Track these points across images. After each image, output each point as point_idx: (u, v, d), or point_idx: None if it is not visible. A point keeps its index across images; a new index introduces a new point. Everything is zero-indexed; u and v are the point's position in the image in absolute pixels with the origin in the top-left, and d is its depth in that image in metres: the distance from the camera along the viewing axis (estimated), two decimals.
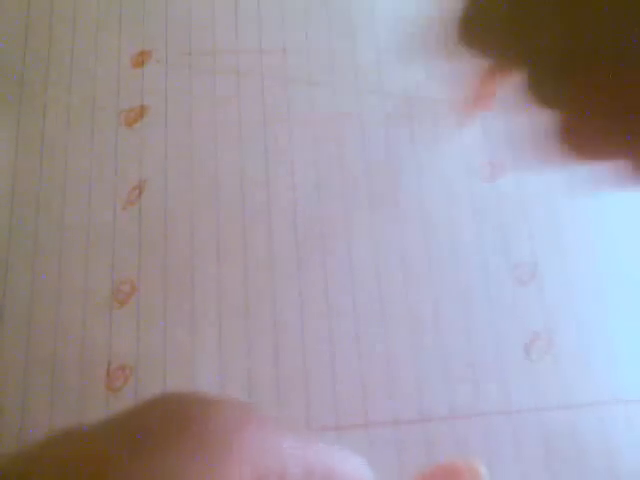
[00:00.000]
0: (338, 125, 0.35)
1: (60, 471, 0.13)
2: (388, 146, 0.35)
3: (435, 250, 0.33)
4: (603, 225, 0.34)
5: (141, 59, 0.36)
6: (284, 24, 0.37)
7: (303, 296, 0.32)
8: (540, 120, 0.22)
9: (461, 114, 0.34)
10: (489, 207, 0.34)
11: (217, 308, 0.32)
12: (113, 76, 0.36)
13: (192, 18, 0.37)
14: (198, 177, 0.34)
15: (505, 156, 0.35)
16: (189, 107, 0.35)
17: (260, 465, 0.14)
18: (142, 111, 0.35)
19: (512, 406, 0.30)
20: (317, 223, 0.33)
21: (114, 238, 0.33)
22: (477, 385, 0.31)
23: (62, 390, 0.30)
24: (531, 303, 0.32)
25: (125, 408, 0.15)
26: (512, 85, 0.23)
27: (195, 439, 0.14)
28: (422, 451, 0.29)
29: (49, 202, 0.33)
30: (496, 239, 0.33)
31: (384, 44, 0.37)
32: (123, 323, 0.31)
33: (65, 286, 0.32)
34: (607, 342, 0.32)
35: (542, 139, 0.22)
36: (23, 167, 0.34)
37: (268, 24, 0.37)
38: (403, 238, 0.33)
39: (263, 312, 0.32)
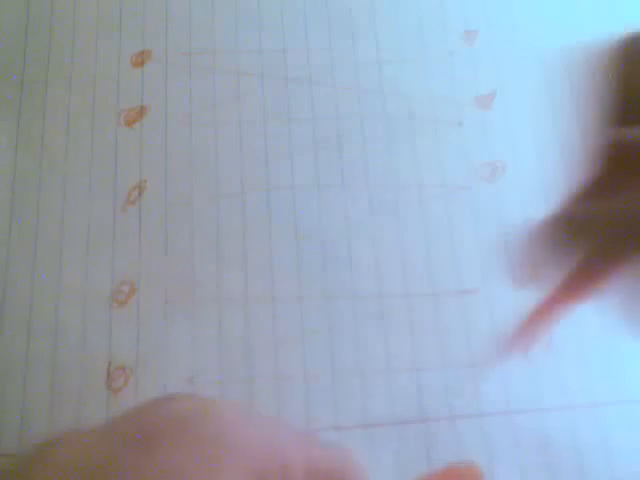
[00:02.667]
0: (338, 125, 0.35)
1: (63, 471, 0.13)
2: (388, 146, 0.35)
3: (435, 250, 0.33)
4: None
5: (141, 59, 0.36)
6: (284, 24, 0.37)
7: (303, 296, 0.32)
8: None
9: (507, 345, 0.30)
10: (489, 207, 0.34)
11: (217, 308, 0.32)
12: (113, 76, 0.36)
13: (192, 18, 0.37)
14: (198, 177, 0.34)
15: (505, 156, 0.35)
16: (189, 107, 0.35)
17: (259, 465, 0.14)
18: (142, 111, 0.35)
19: (511, 406, 0.30)
20: (317, 223, 0.33)
21: (114, 238, 0.33)
22: (477, 385, 0.31)
23: (62, 390, 0.30)
24: (531, 303, 0.32)
25: (126, 410, 0.15)
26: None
27: (195, 440, 0.14)
28: (422, 451, 0.29)
29: (49, 202, 0.33)
30: (496, 239, 0.33)
31: (384, 44, 0.37)
32: (123, 323, 0.31)
33: (65, 286, 0.32)
34: (606, 342, 0.32)
35: None
36: (23, 167, 0.34)
37: (268, 24, 0.37)
38: (403, 238, 0.33)
39: (263, 312, 0.32)
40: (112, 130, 0.35)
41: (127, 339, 0.31)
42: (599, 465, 0.30)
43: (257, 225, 0.33)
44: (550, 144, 0.35)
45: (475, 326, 0.32)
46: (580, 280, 0.23)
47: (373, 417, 0.30)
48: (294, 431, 0.16)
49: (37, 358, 0.30)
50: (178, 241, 0.33)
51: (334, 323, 0.32)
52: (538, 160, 0.35)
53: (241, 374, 0.30)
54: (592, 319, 0.32)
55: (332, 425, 0.30)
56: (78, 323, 0.31)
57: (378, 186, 0.34)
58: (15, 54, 0.36)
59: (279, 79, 0.36)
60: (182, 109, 0.35)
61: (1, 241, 0.32)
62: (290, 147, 0.35)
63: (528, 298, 0.32)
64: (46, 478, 0.13)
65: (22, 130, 0.34)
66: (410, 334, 0.31)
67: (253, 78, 0.36)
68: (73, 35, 0.36)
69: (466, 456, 0.30)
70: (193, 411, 0.15)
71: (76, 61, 0.36)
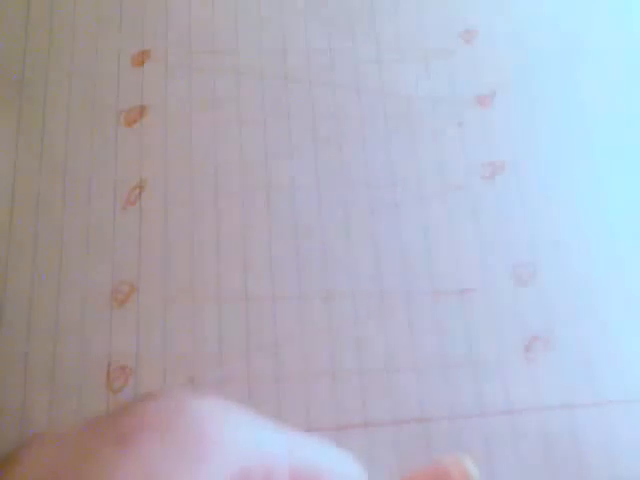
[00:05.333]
0: (338, 125, 0.35)
1: (47, 469, 0.13)
2: (388, 146, 0.35)
3: (435, 250, 0.33)
4: (603, 225, 0.34)
5: (141, 59, 0.36)
6: (284, 24, 0.37)
7: (303, 296, 0.32)
8: None
9: None
10: (489, 207, 0.34)
11: (217, 308, 0.32)
12: (113, 76, 0.36)
13: (192, 18, 0.37)
14: (198, 177, 0.34)
15: (505, 156, 0.35)
16: (189, 107, 0.35)
17: (243, 463, 0.14)
18: (142, 111, 0.35)
19: (512, 406, 0.30)
20: (317, 223, 0.33)
21: (114, 238, 0.33)
22: (477, 385, 0.31)
23: (62, 390, 0.30)
24: (531, 303, 0.32)
25: (111, 408, 0.15)
26: None
27: (176, 440, 0.14)
28: (422, 451, 0.29)
29: (49, 202, 0.33)
30: (496, 239, 0.33)
31: (384, 44, 0.37)
32: (123, 323, 0.31)
33: (65, 286, 0.32)
34: (607, 342, 0.32)
35: None
36: (23, 167, 0.34)
37: (268, 24, 0.37)
38: (403, 238, 0.33)
39: (263, 312, 0.32)
40: (112, 130, 0.35)
41: (127, 339, 0.31)
42: (600, 464, 0.30)
43: (257, 225, 0.33)
44: (550, 144, 0.35)
45: (475, 326, 0.32)
46: None
47: (373, 417, 0.30)
48: (281, 430, 0.16)
49: (37, 358, 0.30)
50: (178, 241, 0.33)
51: (334, 323, 0.31)
52: (538, 160, 0.35)
53: (241, 374, 0.30)
54: (593, 317, 0.32)
55: (332, 425, 0.30)
56: (78, 323, 0.31)
57: (378, 186, 0.34)
58: (15, 54, 0.36)
59: (279, 79, 0.36)
60: (182, 109, 0.35)
61: (1, 241, 0.32)
62: (290, 147, 0.35)
63: (528, 297, 0.32)
64: (31, 476, 0.13)
65: (22, 130, 0.34)
66: (410, 333, 0.31)
67: (253, 78, 0.36)
68: (73, 35, 0.36)
69: (458, 454, 0.30)
70: (175, 410, 0.14)
71: (76, 61, 0.36)
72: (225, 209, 0.33)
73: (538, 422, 0.30)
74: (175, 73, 0.36)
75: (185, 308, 0.31)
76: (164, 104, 0.35)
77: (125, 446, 0.13)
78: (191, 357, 0.31)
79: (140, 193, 0.33)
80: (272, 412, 0.30)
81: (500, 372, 0.31)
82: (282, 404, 0.30)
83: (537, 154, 0.35)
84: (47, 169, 0.34)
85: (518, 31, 0.38)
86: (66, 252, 0.32)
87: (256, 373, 0.31)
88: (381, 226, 0.33)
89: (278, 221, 0.33)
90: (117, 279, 0.32)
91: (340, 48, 0.37)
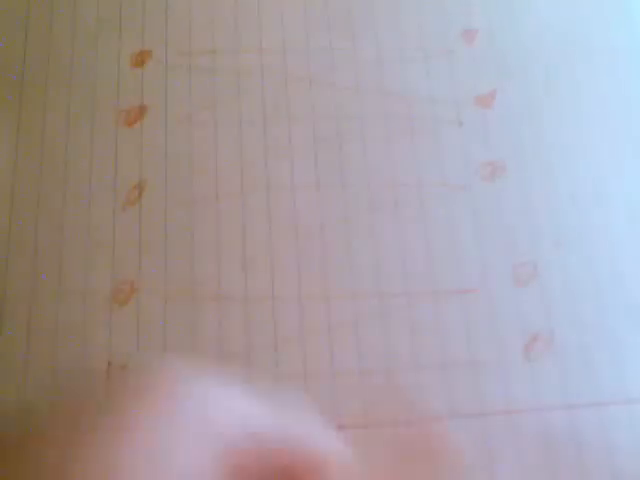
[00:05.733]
0: (338, 125, 0.35)
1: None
2: (388, 146, 0.35)
3: (435, 250, 0.33)
4: (603, 225, 0.34)
5: (141, 59, 0.36)
6: (284, 24, 0.37)
7: (303, 296, 0.32)
8: None
9: None
10: (489, 207, 0.34)
11: (217, 308, 0.32)
12: (113, 76, 0.36)
13: (192, 18, 0.37)
14: (198, 177, 0.34)
15: (505, 156, 0.35)
16: (189, 107, 0.35)
17: (233, 439, 0.14)
18: (142, 111, 0.35)
19: (512, 406, 0.30)
20: (317, 223, 0.33)
21: (114, 238, 0.33)
22: (477, 385, 0.31)
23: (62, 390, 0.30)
24: (531, 303, 0.32)
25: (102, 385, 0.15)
26: None
27: (173, 417, 0.14)
28: (422, 451, 0.29)
29: (49, 202, 0.33)
30: (496, 239, 0.33)
31: (384, 44, 0.37)
32: (123, 323, 0.31)
33: (65, 286, 0.32)
34: (607, 342, 0.32)
35: None
36: (23, 167, 0.34)
37: (268, 24, 0.37)
38: (403, 238, 0.33)
39: (262, 312, 0.32)
40: (112, 130, 0.35)
41: (127, 339, 0.31)
42: (600, 464, 0.30)
43: (257, 225, 0.33)
44: (550, 144, 0.35)
45: (475, 326, 0.32)
46: None
47: (373, 417, 0.30)
48: (254, 393, 0.16)
49: (37, 358, 0.30)
50: (178, 241, 0.33)
51: (334, 323, 0.32)
52: (538, 160, 0.35)
53: (241, 374, 0.30)
54: (593, 318, 0.32)
55: (332, 425, 0.30)
56: (78, 323, 0.31)
57: (378, 186, 0.34)
58: (15, 54, 0.36)
59: (279, 79, 0.36)
60: (182, 109, 0.35)
61: (1, 241, 0.32)
62: (290, 147, 0.35)
63: (528, 297, 0.32)
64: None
65: (22, 130, 0.34)
66: (410, 333, 0.31)
67: (253, 78, 0.36)
68: (73, 35, 0.36)
69: (466, 456, 0.30)
70: (163, 386, 0.14)
71: (76, 61, 0.36)
72: (225, 209, 0.33)
73: (538, 422, 0.30)
74: (175, 73, 0.36)
75: (185, 308, 0.31)
76: (164, 104, 0.35)
77: (120, 429, 0.13)
78: (191, 357, 0.31)
79: (140, 193, 0.33)
80: None
81: (500, 372, 0.31)
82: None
83: (537, 154, 0.35)
84: (47, 169, 0.34)
85: (518, 31, 0.38)
86: (66, 252, 0.32)
87: (256, 373, 0.30)
88: (381, 226, 0.33)
89: (278, 221, 0.33)
90: (117, 279, 0.32)
91: (340, 48, 0.37)
